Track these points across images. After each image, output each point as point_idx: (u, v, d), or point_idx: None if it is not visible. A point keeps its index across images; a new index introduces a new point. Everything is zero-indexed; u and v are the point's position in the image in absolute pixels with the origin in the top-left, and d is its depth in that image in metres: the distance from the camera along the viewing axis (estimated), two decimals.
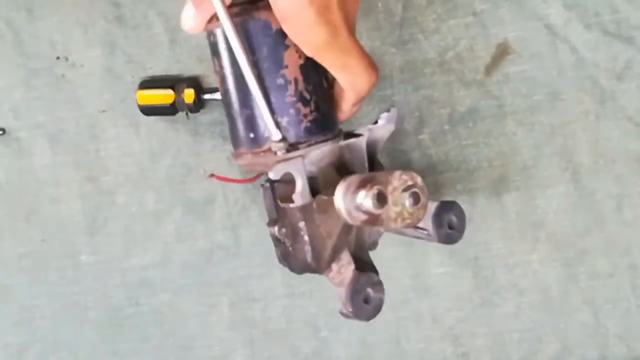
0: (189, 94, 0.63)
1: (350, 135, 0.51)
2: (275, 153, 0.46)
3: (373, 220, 0.43)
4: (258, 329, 0.67)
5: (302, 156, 0.46)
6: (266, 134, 0.46)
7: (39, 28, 0.66)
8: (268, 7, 0.42)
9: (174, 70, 0.66)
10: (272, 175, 0.45)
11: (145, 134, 0.66)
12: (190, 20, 0.46)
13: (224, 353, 0.68)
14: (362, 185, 0.43)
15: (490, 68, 0.64)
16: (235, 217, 0.67)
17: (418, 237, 0.54)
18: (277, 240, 0.50)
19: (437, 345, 0.67)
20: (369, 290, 0.49)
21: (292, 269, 0.51)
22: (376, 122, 0.52)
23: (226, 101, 0.48)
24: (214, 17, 0.45)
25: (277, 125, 0.45)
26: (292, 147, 0.46)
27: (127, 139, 0.66)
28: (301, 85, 0.46)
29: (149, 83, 0.65)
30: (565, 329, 0.66)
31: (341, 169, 0.50)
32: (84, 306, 0.68)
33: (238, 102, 0.47)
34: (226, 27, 0.42)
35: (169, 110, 0.64)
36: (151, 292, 0.67)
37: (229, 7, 0.43)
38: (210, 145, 0.66)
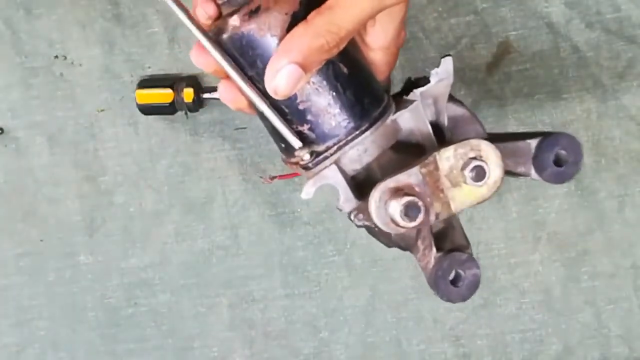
0: (188, 93, 0.63)
1: (402, 103, 0.44)
2: (303, 167, 0.42)
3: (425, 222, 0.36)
4: (257, 330, 0.67)
5: (336, 162, 0.41)
6: (292, 144, 0.42)
7: (37, 27, 0.65)
8: (248, 18, 0.39)
9: (173, 69, 0.65)
10: (305, 196, 0.41)
11: (144, 133, 0.66)
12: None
13: (223, 354, 0.67)
14: (393, 194, 0.36)
15: (491, 67, 0.64)
16: (234, 217, 0.66)
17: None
18: (360, 226, 0.44)
19: (438, 346, 0.66)
20: (458, 270, 0.42)
21: (382, 243, 0.46)
22: (429, 82, 0.44)
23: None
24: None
25: (300, 135, 0.41)
26: (320, 155, 0.41)
27: (126, 139, 0.66)
28: (311, 86, 0.40)
29: (148, 82, 0.64)
30: (566, 329, 0.66)
31: (401, 146, 0.44)
32: (82, 306, 0.67)
33: (258, 112, 0.42)
34: (207, 47, 0.39)
35: (168, 109, 0.64)
36: (150, 292, 0.67)
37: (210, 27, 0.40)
38: (210, 145, 0.66)
